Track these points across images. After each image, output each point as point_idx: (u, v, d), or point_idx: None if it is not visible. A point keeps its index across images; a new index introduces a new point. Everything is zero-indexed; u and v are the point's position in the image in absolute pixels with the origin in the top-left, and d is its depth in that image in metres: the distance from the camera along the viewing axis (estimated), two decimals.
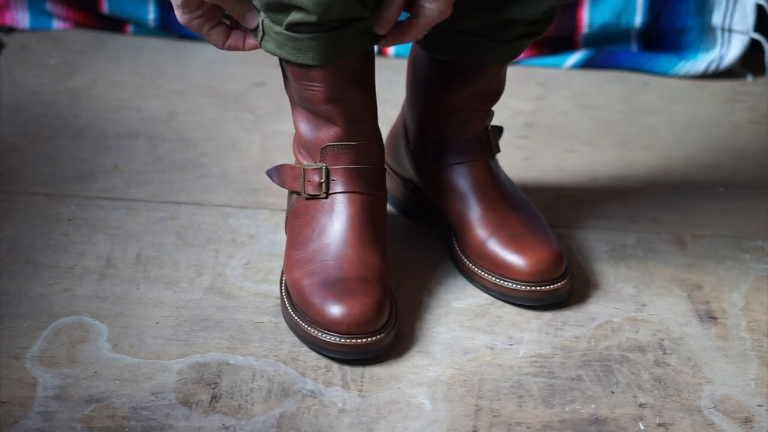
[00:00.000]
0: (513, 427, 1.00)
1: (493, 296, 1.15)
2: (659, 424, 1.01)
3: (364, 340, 1.05)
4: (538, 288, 1.13)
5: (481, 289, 1.16)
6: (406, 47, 1.68)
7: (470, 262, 1.17)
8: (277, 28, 1.04)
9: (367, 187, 1.12)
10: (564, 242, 1.25)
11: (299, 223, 1.13)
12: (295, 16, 1.02)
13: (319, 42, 1.03)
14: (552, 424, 1.01)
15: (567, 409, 1.03)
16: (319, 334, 1.05)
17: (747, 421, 1.02)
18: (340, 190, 1.11)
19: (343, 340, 1.04)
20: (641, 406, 1.03)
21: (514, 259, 1.14)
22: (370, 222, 1.11)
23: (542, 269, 1.13)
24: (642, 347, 1.10)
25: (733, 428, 1.01)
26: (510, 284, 1.14)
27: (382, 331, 1.06)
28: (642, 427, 1.01)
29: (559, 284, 1.14)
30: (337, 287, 1.06)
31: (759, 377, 1.07)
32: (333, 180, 1.11)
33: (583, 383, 1.05)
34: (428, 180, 1.21)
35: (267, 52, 1.07)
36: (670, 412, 1.02)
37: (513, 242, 1.14)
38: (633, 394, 1.04)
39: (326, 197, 1.11)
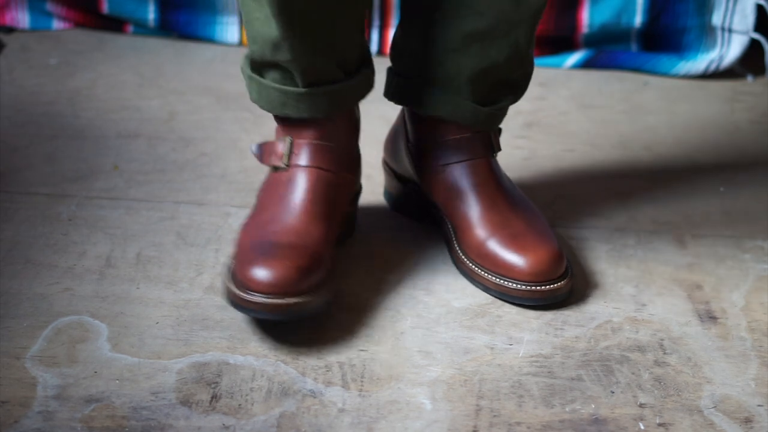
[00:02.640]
0: (513, 427, 1.00)
1: (493, 296, 1.15)
2: (659, 424, 1.01)
3: (281, 300, 1.05)
4: (538, 288, 1.13)
5: (481, 289, 1.16)
6: None
7: (470, 262, 1.17)
8: (264, 82, 1.12)
9: (329, 165, 1.13)
10: (564, 242, 1.25)
11: (262, 194, 1.16)
12: (276, 75, 1.09)
13: (305, 99, 1.11)
14: (552, 424, 1.01)
15: (567, 409, 1.03)
16: (241, 293, 1.06)
17: (747, 421, 1.02)
18: (302, 163, 1.13)
19: (261, 299, 1.05)
20: (641, 406, 1.03)
21: (514, 258, 1.14)
22: (325, 199, 1.13)
23: (542, 269, 1.13)
24: (642, 347, 1.10)
25: (733, 428, 1.01)
26: (510, 284, 1.14)
27: (304, 295, 1.06)
28: (642, 427, 1.01)
29: (559, 284, 1.13)
30: (267, 250, 1.08)
31: (759, 377, 1.07)
32: (295, 153, 1.13)
33: (583, 383, 1.05)
34: (428, 179, 1.21)
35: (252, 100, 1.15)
36: (670, 412, 1.02)
37: (513, 242, 1.14)
38: (633, 394, 1.04)
39: (287, 169, 1.14)
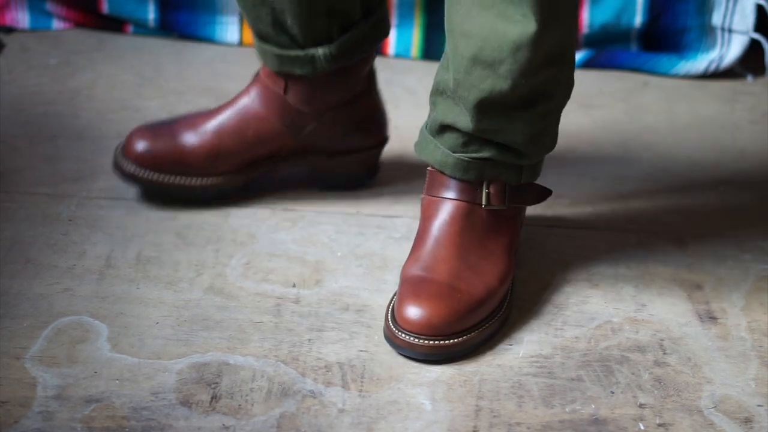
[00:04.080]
0: (513, 428, 1.00)
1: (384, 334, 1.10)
2: (659, 425, 1.01)
3: None
4: (403, 336, 1.06)
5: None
6: (407, 47, 1.68)
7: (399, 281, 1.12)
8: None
9: (265, 106, 1.26)
10: (564, 242, 1.25)
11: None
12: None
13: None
14: (552, 424, 1.01)
15: (567, 410, 1.03)
16: None
17: (747, 421, 1.02)
18: (251, 93, 1.27)
19: None
20: (641, 406, 1.03)
21: (408, 302, 1.06)
22: (238, 123, 1.27)
23: (417, 323, 1.05)
24: (642, 347, 1.10)
25: (733, 428, 1.01)
26: (390, 323, 1.08)
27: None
28: (642, 428, 1.01)
29: (419, 341, 1.06)
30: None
31: (759, 377, 1.07)
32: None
33: (583, 383, 1.05)
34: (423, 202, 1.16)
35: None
36: (670, 413, 1.02)
37: (419, 286, 1.08)
38: (633, 395, 1.04)
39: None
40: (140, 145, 1.26)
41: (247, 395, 1.03)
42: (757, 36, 1.61)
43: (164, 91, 1.55)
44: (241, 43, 1.70)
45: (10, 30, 1.70)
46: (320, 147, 1.29)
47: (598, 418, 1.02)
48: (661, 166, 1.41)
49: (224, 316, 1.12)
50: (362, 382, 1.05)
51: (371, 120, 1.31)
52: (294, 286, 1.17)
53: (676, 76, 1.64)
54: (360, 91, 1.28)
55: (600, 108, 1.56)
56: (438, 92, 1.12)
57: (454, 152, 1.11)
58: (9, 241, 1.22)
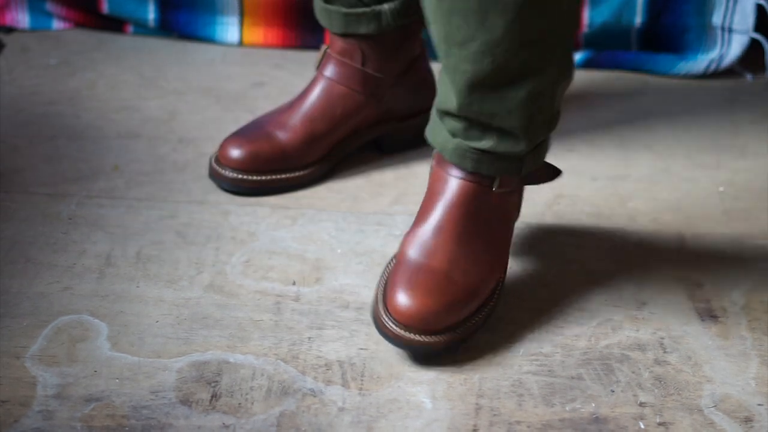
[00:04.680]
0: (513, 426, 1.00)
1: (371, 311, 1.10)
2: (659, 423, 1.01)
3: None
4: (396, 329, 1.05)
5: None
6: None
7: (393, 261, 1.13)
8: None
9: (348, 81, 1.31)
10: (564, 241, 1.25)
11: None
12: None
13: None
14: (552, 422, 1.01)
15: (567, 408, 1.02)
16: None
17: (747, 420, 1.01)
18: (326, 74, 1.32)
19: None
20: (641, 405, 1.03)
21: (400, 288, 1.06)
22: (327, 107, 1.32)
23: (413, 316, 1.05)
24: (642, 346, 1.10)
25: (734, 427, 1.01)
26: (381, 310, 1.07)
27: None
28: (642, 426, 1.01)
29: (426, 338, 1.05)
30: (248, 129, 1.33)
31: (759, 376, 1.06)
32: (323, 63, 1.33)
33: (584, 382, 1.05)
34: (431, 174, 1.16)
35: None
36: (671, 411, 1.02)
37: (416, 273, 1.07)
38: (633, 393, 1.04)
39: (315, 74, 1.34)
40: (238, 152, 1.30)
41: (247, 394, 1.03)
42: (757, 36, 1.61)
43: (164, 91, 1.55)
44: (241, 43, 1.70)
45: (10, 30, 1.70)
46: (396, 112, 1.36)
47: (599, 417, 1.01)
48: (661, 166, 1.40)
49: (224, 314, 1.12)
50: (362, 380, 1.05)
51: (427, 82, 1.38)
52: (294, 283, 1.17)
53: (676, 76, 1.63)
54: (417, 54, 1.36)
55: (600, 108, 1.55)
56: (439, 75, 1.11)
57: (454, 136, 1.10)
58: (9, 241, 1.22)
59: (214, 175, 1.32)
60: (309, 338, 1.09)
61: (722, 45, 1.62)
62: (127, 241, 1.23)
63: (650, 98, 1.58)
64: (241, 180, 1.30)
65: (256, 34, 1.69)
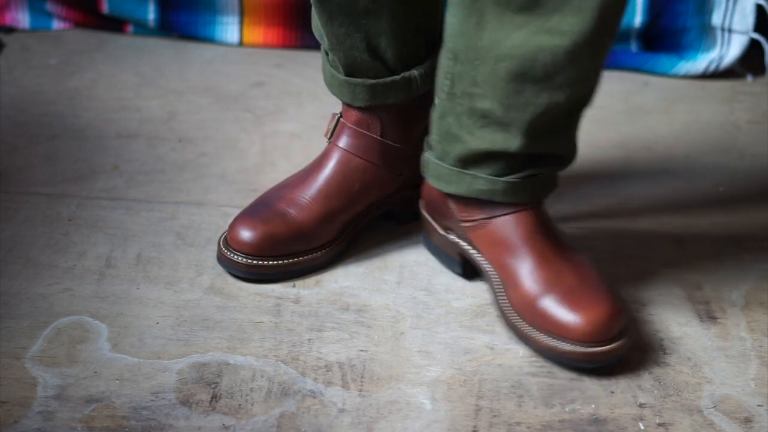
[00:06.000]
0: (513, 427, 1.00)
1: (546, 357, 1.08)
2: (659, 424, 1.01)
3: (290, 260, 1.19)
4: (593, 349, 1.05)
5: (532, 349, 1.09)
6: None
7: (520, 319, 1.09)
8: (325, 60, 1.12)
9: (364, 154, 1.19)
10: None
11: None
12: (330, 57, 1.11)
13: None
14: (552, 424, 1.01)
15: (567, 409, 1.03)
16: (226, 250, 1.20)
17: (747, 421, 1.02)
18: (340, 144, 1.19)
19: (238, 258, 1.17)
20: (641, 406, 1.03)
21: (568, 316, 1.05)
22: (344, 183, 1.19)
23: (598, 328, 1.05)
24: (642, 347, 1.10)
25: (733, 428, 1.01)
26: (564, 345, 1.05)
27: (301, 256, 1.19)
28: (642, 427, 1.01)
29: (615, 345, 1.05)
30: (258, 208, 1.19)
31: (759, 377, 1.07)
32: (337, 133, 1.20)
33: (583, 383, 1.05)
34: (473, 231, 1.14)
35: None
36: (670, 412, 1.02)
37: (566, 298, 1.07)
38: (633, 394, 1.04)
39: (328, 143, 1.21)
40: (250, 234, 1.16)
41: (247, 395, 1.03)
42: (757, 36, 1.61)
43: (164, 91, 1.55)
44: (241, 43, 1.70)
45: (10, 30, 1.70)
46: (413, 180, 1.23)
47: (598, 418, 1.02)
48: (661, 166, 1.41)
49: (224, 316, 1.12)
50: (362, 381, 1.05)
51: None
52: (294, 286, 1.17)
53: (676, 76, 1.63)
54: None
55: (600, 108, 1.55)
56: (459, 125, 1.08)
57: (501, 177, 1.09)
58: (9, 241, 1.22)
59: (224, 261, 1.18)
60: (309, 340, 1.10)
61: (722, 45, 1.62)
62: (127, 243, 1.23)
63: (650, 98, 1.58)
64: (256, 266, 1.17)
65: (255, 34, 1.69)
